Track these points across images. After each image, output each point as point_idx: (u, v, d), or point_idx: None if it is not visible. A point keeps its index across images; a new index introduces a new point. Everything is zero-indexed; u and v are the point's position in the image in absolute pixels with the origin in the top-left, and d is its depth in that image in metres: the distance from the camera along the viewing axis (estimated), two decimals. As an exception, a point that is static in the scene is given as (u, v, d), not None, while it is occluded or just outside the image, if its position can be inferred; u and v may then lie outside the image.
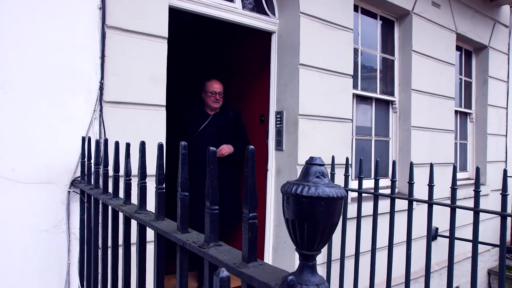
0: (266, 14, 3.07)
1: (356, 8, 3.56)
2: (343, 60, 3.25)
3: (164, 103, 2.29)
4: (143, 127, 2.19)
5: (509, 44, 5.55)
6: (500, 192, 1.92)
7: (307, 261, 0.66)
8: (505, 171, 1.97)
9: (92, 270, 1.63)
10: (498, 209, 1.94)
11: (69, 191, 1.96)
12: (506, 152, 5.47)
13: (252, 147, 0.70)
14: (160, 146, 1.09)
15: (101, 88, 2.06)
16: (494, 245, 3.58)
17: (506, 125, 5.51)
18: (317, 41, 3.05)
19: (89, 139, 1.82)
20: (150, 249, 1.16)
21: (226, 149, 3.21)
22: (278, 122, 3.08)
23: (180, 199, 0.96)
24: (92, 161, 1.70)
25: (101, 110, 2.06)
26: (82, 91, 2.03)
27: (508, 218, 2.21)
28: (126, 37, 2.15)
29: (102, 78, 2.06)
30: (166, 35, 2.30)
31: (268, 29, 3.09)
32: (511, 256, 4.97)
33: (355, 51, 3.57)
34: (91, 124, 2.04)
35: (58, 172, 1.95)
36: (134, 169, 1.40)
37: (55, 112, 1.95)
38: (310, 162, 0.65)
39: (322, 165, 0.64)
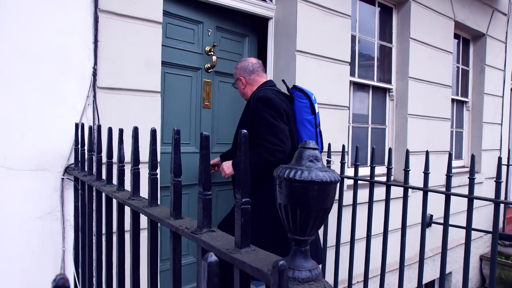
0: (263, 0, 3.01)
1: (354, -6, 3.51)
2: (340, 47, 3.22)
3: (159, 89, 2.27)
4: (137, 113, 2.17)
5: (506, 33, 5.51)
6: (494, 179, 1.93)
7: (299, 246, 0.65)
8: (499, 159, 1.97)
9: (87, 257, 1.63)
10: (492, 196, 1.95)
11: (63, 178, 1.95)
12: (500, 140, 5.49)
13: (245, 131, 0.69)
14: (153, 131, 1.07)
15: (94, 74, 2.02)
16: (487, 232, 3.62)
17: (502, 114, 5.52)
18: (314, 28, 3.01)
19: (82, 125, 1.80)
20: (145, 236, 1.16)
21: (224, 171, 2.30)
22: (274, 110, 3.05)
23: (173, 185, 0.95)
24: (86, 147, 1.68)
25: (94, 96, 2.03)
26: (75, 77, 1.99)
27: (501, 205, 2.21)
28: (120, 21, 2.10)
29: (95, 63, 2.03)
30: (161, 19, 2.26)
31: (265, 14, 3.04)
32: (503, 242, 5.04)
33: (353, 38, 3.53)
34: (84, 110, 2.01)
35: (52, 159, 1.93)
36: (128, 156, 1.39)
37: (48, 98, 1.92)
38: (304, 146, 0.63)
39: (316, 149, 0.63)
